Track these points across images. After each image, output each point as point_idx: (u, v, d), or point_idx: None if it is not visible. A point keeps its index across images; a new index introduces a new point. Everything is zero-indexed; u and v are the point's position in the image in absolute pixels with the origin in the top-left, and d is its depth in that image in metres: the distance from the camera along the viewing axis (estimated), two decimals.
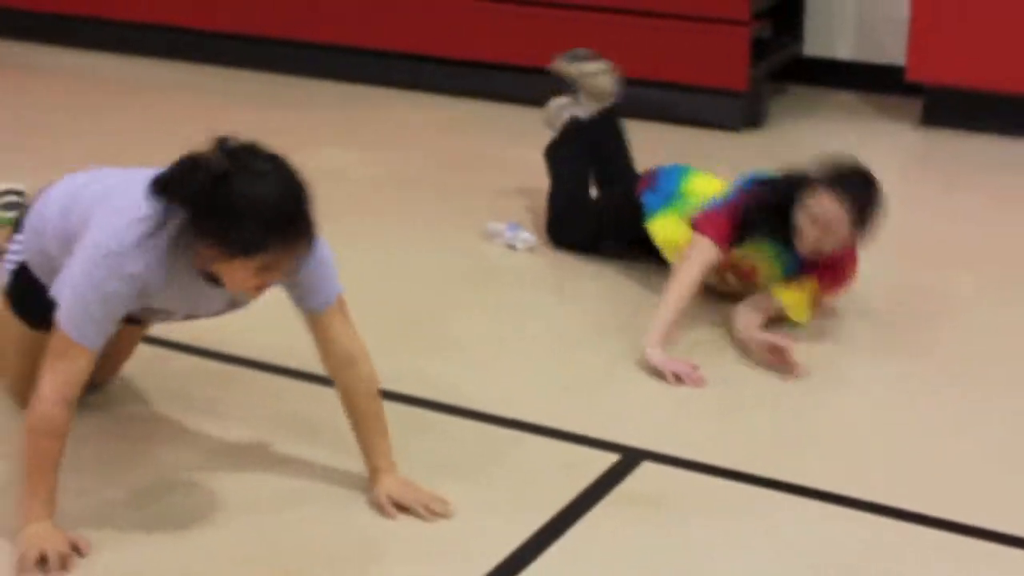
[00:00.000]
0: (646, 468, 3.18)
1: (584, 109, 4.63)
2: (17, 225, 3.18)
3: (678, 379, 3.58)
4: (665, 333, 3.69)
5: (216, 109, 6.34)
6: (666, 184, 4.17)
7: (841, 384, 3.65)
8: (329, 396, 3.07)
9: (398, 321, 3.65)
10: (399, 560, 2.84)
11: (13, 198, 3.72)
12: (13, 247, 3.13)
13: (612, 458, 3.21)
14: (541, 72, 6.28)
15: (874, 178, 3.81)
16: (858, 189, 3.77)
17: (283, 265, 2.70)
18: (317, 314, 2.93)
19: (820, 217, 3.72)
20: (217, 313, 3.06)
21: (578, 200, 4.51)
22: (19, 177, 3.84)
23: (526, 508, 2.99)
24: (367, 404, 3.01)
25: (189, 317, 3.07)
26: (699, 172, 4.21)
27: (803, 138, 5.68)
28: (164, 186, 2.67)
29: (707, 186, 4.09)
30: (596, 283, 4.28)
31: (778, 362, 3.65)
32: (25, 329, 3.14)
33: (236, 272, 2.68)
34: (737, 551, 2.86)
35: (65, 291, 2.75)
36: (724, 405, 3.54)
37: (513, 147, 5.67)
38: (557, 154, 4.63)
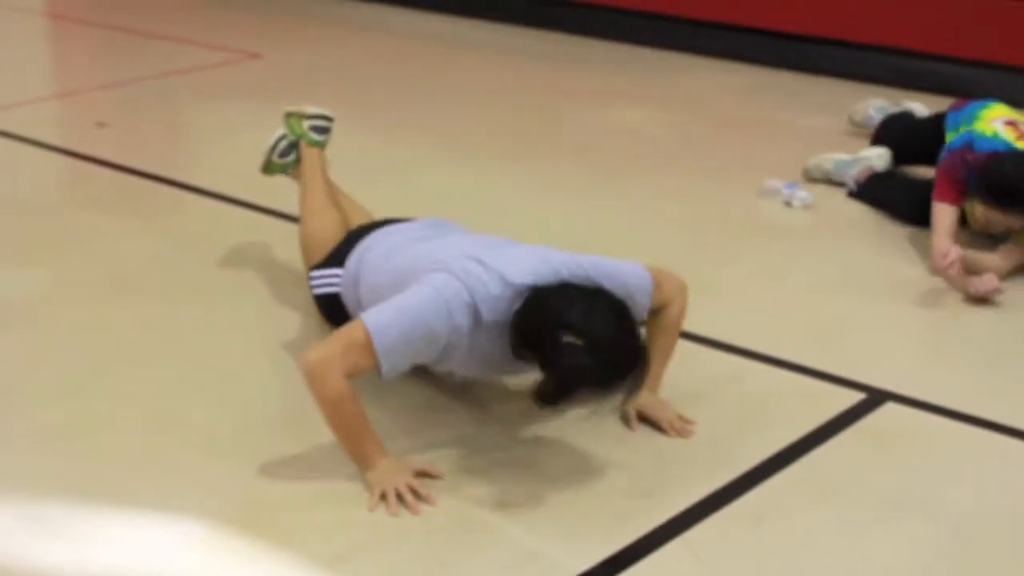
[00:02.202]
0: (889, 408, 3.32)
1: None
2: (338, 259, 3.44)
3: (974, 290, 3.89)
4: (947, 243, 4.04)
5: (526, 68, 6.71)
6: (969, 108, 4.53)
7: None
8: None
9: (672, 263, 3.83)
10: (632, 466, 3.07)
11: (323, 123, 4.04)
12: (330, 279, 3.45)
13: (857, 396, 3.36)
14: (837, 44, 6.44)
15: None
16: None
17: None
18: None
19: (987, 225, 4.09)
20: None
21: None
22: (336, 110, 4.23)
23: (767, 434, 3.18)
24: (664, 333, 3.25)
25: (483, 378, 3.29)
26: (999, 105, 4.50)
27: None
28: (536, 353, 2.85)
29: (993, 113, 4.39)
30: (863, 240, 4.42)
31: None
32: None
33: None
34: (968, 490, 2.98)
35: (389, 312, 2.89)
36: (976, 353, 3.65)
37: (799, 114, 5.84)
38: None
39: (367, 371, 2.89)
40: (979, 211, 4.09)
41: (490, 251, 3.03)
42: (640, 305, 3.07)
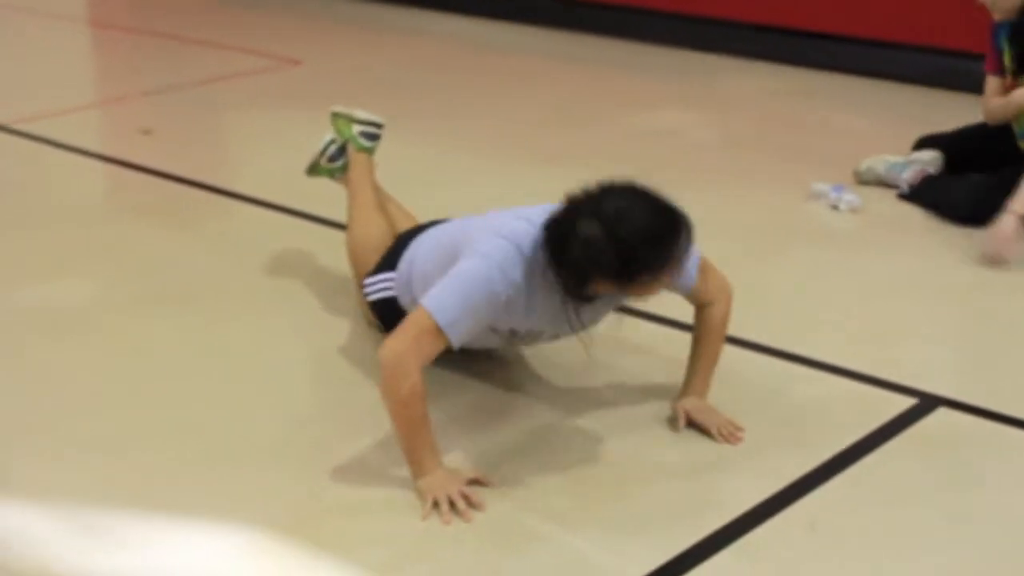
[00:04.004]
0: (942, 414, 3.30)
1: None
2: (390, 262, 3.45)
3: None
4: None
5: (564, 72, 6.71)
6: None
7: None
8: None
9: (720, 267, 3.82)
10: (684, 474, 3.07)
11: (373, 129, 4.04)
12: (384, 283, 3.46)
13: (909, 402, 3.34)
14: (879, 45, 6.40)
15: None
16: None
17: (657, 287, 2.95)
18: (686, 291, 3.21)
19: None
20: (575, 331, 3.17)
21: None
22: (378, 115, 4.22)
23: (818, 440, 3.15)
24: (709, 336, 3.26)
25: (549, 338, 3.27)
26: None
27: None
28: (555, 253, 2.90)
29: None
30: (913, 243, 4.39)
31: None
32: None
33: (614, 291, 2.94)
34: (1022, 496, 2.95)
35: (444, 287, 2.93)
36: None
37: (842, 116, 5.80)
38: None
39: (439, 353, 2.93)
40: None
41: (538, 209, 3.05)
42: (683, 280, 3.11)
